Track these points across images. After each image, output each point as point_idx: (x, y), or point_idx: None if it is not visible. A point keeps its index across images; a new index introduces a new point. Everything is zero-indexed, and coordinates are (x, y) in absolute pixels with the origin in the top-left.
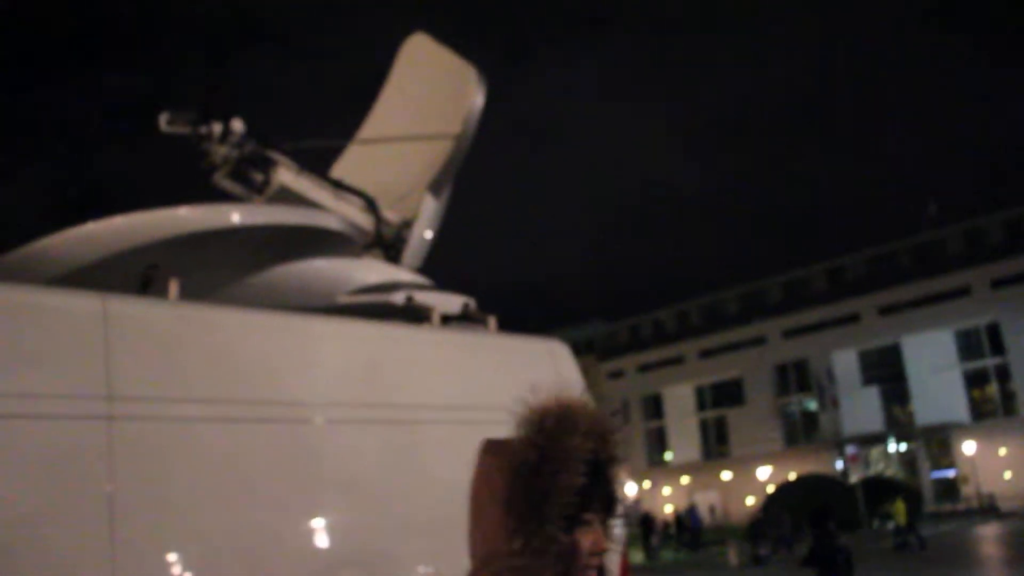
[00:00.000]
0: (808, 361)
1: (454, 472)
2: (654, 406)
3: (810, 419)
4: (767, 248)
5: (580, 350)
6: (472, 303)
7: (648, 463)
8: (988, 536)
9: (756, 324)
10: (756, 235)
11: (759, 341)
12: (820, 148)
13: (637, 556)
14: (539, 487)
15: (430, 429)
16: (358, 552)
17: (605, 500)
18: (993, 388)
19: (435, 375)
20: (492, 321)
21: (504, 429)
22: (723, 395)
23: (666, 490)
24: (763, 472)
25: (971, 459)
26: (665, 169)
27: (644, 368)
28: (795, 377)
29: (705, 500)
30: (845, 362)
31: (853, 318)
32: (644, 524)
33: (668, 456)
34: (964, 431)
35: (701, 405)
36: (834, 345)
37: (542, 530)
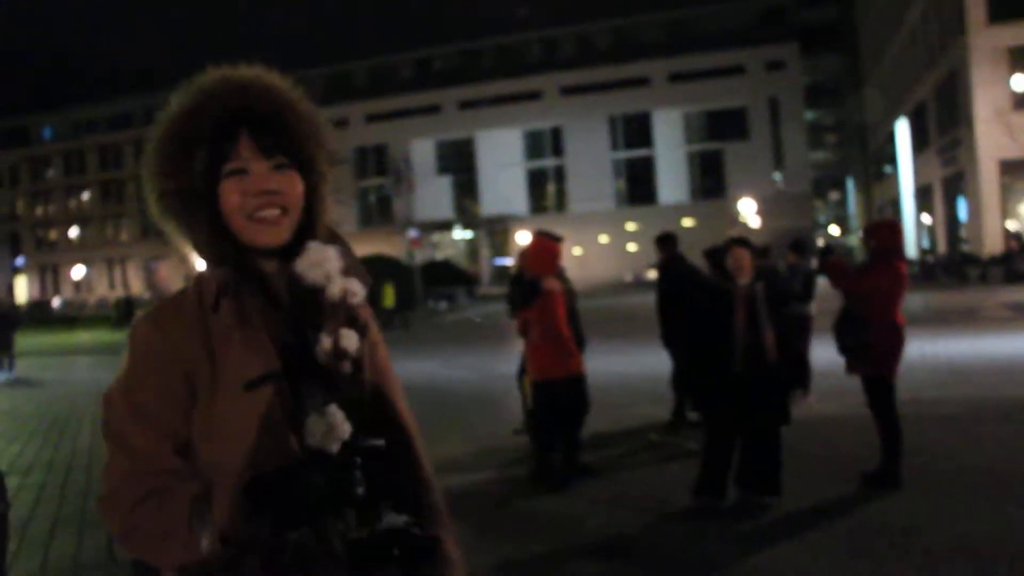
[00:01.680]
0: (388, 147)
1: None
2: None
3: (385, 203)
4: (354, 31)
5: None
6: None
7: None
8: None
9: (339, 106)
10: (345, 15)
11: (341, 123)
12: None
13: None
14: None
15: None
16: None
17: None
18: (551, 186)
19: None
20: None
21: None
22: None
23: None
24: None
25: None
26: None
27: None
28: (374, 162)
29: None
30: (423, 151)
31: (434, 108)
32: None
33: None
34: (522, 223)
35: None
36: (414, 133)
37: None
